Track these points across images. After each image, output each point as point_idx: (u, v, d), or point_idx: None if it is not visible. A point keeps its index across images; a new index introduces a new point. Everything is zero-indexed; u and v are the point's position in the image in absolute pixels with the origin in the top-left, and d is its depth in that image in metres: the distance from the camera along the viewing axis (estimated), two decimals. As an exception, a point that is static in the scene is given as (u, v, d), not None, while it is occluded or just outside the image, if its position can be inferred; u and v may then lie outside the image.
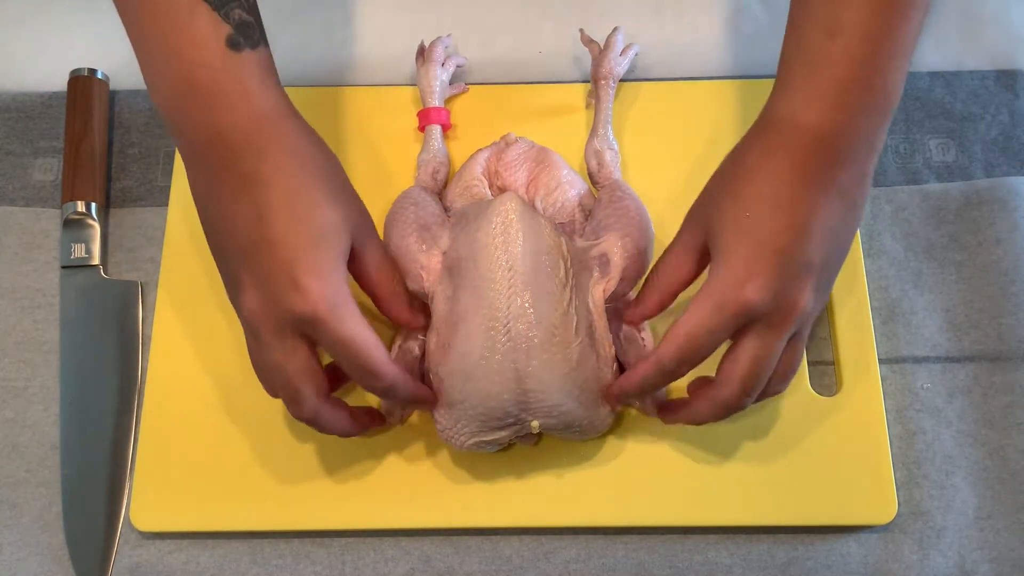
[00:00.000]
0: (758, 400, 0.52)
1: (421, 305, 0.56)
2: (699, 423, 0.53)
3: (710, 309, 0.48)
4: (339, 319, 0.48)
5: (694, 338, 0.48)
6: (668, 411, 0.55)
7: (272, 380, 0.51)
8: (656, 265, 0.54)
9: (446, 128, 0.65)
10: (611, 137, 0.63)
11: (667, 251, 0.54)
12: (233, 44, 0.50)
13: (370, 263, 0.53)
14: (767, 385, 0.51)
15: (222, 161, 0.50)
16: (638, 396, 0.55)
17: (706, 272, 0.51)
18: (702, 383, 0.53)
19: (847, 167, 0.49)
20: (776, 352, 0.49)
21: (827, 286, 0.51)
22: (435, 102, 0.64)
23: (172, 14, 0.50)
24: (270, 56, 0.53)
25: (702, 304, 0.48)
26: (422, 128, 0.64)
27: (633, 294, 0.57)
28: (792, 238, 0.48)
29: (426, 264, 0.56)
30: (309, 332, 0.49)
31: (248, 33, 0.51)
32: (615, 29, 0.66)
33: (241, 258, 0.49)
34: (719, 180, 0.52)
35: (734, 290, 0.47)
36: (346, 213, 0.50)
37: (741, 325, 0.48)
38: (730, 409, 0.51)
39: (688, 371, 0.50)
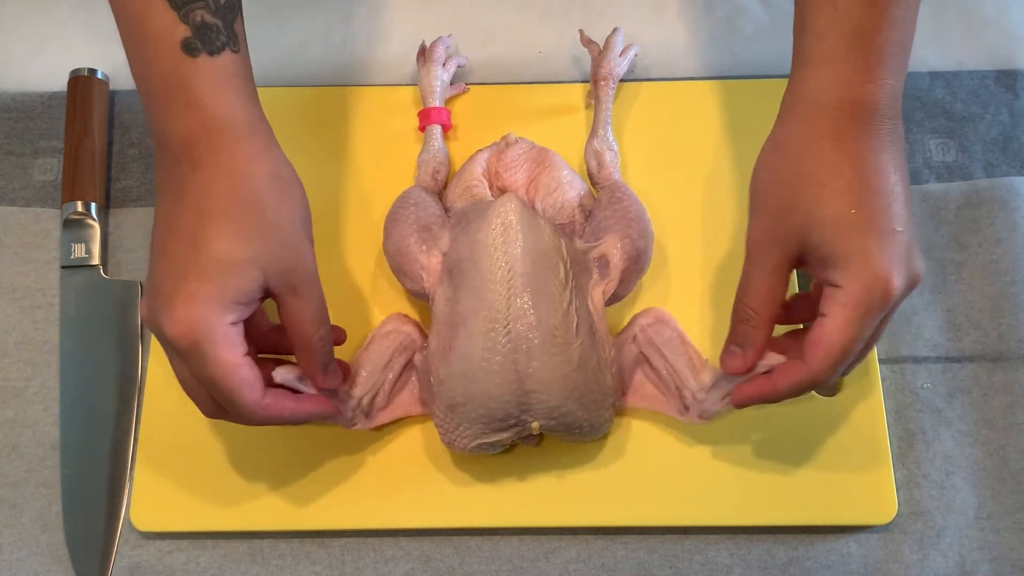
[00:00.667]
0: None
1: (340, 367, 0.53)
2: (776, 401, 0.51)
3: (861, 316, 0.47)
4: (201, 356, 0.46)
5: (849, 350, 0.47)
6: (743, 395, 0.52)
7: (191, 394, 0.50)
8: (743, 299, 0.50)
9: (446, 128, 0.65)
10: (611, 138, 0.63)
11: (751, 281, 0.50)
12: (189, 48, 0.47)
13: (291, 314, 0.49)
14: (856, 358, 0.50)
15: (163, 162, 0.49)
16: (773, 402, 0.52)
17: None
18: (787, 366, 0.50)
19: (895, 118, 0.49)
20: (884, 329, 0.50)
21: None
22: (436, 102, 0.64)
23: (130, 5, 0.48)
24: (239, 62, 0.49)
25: (850, 312, 0.47)
26: (423, 128, 0.64)
27: (621, 286, 0.56)
28: (900, 215, 0.48)
29: (426, 265, 0.56)
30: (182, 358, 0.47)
31: (209, 37, 0.48)
32: (615, 30, 0.66)
33: (152, 259, 0.48)
34: (792, 186, 0.49)
35: (881, 289, 0.47)
36: (258, 253, 0.47)
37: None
38: (816, 386, 0.50)
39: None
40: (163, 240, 0.48)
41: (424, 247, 0.56)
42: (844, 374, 0.52)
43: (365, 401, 0.56)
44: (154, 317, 0.47)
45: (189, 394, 0.50)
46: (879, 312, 0.47)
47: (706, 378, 0.55)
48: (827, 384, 0.49)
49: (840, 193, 0.48)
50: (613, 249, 0.56)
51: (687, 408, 0.56)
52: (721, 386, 0.54)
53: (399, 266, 0.57)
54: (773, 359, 0.51)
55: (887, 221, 0.47)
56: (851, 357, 0.48)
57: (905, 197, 0.48)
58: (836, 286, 0.47)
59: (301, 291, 0.49)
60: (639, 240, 0.56)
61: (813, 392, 0.58)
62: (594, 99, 0.64)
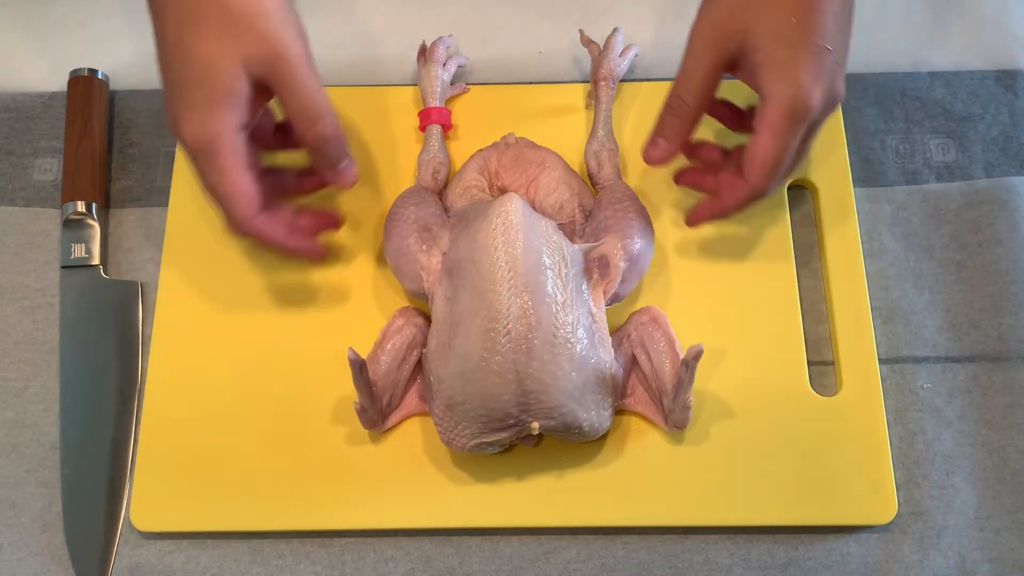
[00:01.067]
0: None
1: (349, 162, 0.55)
2: (725, 217, 0.56)
3: (785, 129, 0.51)
4: (205, 162, 0.49)
5: (780, 161, 0.52)
6: (696, 214, 0.57)
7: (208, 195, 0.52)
8: (678, 93, 0.54)
9: (447, 128, 0.65)
10: (611, 138, 0.63)
11: (688, 74, 0.54)
12: None
13: (287, 108, 0.51)
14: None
15: None
16: (725, 219, 0.57)
17: None
18: (729, 179, 0.55)
19: None
20: (799, 140, 0.53)
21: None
22: (436, 102, 0.64)
23: None
24: None
25: (775, 127, 0.51)
26: (423, 128, 0.64)
27: (621, 286, 0.56)
28: (834, 35, 0.51)
29: (426, 264, 0.56)
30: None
31: None
32: (615, 30, 0.65)
33: (160, 77, 0.51)
34: None
35: (803, 103, 0.50)
36: (234, 48, 0.48)
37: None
38: (756, 198, 0.54)
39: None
40: (161, 57, 0.51)
41: (424, 247, 0.56)
42: (780, 185, 0.57)
43: (385, 400, 0.56)
44: (170, 130, 0.51)
45: (211, 204, 0.53)
46: (800, 124, 0.51)
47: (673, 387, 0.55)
48: (765, 194, 0.54)
49: (784, 4, 0.51)
50: (613, 249, 0.56)
51: (666, 417, 0.56)
52: (682, 391, 0.54)
53: (399, 266, 0.57)
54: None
55: (820, 38, 0.51)
56: (783, 168, 0.52)
57: (844, 23, 0.52)
58: (763, 96, 0.51)
59: (288, 82, 0.50)
60: (639, 240, 0.56)
61: (813, 395, 0.58)
62: (594, 99, 0.64)
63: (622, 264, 0.55)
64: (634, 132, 0.65)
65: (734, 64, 0.53)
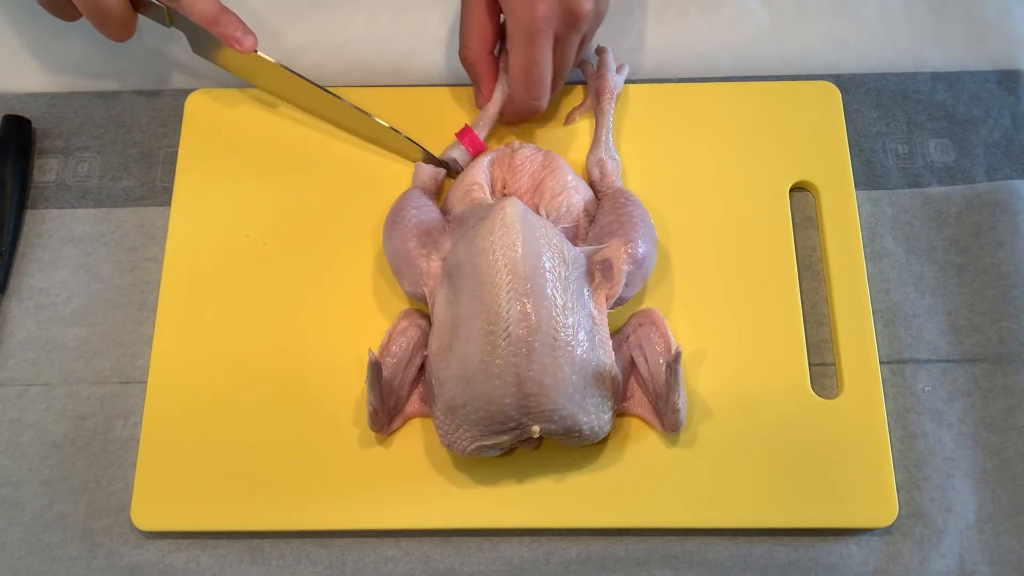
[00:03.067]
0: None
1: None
2: (511, 123, 0.64)
3: (523, 43, 0.57)
4: None
5: (531, 74, 0.58)
6: (504, 117, 0.63)
7: None
8: (463, 43, 0.61)
9: (469, 151, 0.63)
10: (612, 147, 0.63)
11: (464, 25, 0.61)
12: None
13: None
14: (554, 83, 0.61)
15: None
16: (511, 123, 0.64)
17: None
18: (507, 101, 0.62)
19: None
20: (573, 52, 0.60)
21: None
22: (482, 134, 0.63)
23: None
24: None
25: (515, 43, 0.57)
26: (459, 137, 0.63)
27: (624, 289, 0.56)
28: None
29: (426, 269, 0.56)
30: None
31: None
32: (604, 49, 0.66)
33: None
34: None
35: (530, 12, 0.56)
36: None
37: (553, 38, 0.57)
38: (528, 110, 0.61)
39: (547, 97, 0.60)
40: None
41: (424, 251, 0.56)
42: (556, 89, 0.62)
43: (391, 402, 0.56)
44: None
45: None
46: (536, 36, 0.56)
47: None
48: (536, 106, 0.60)
49: None
50: (617, 253, 0.56)
51: (662, 420, 0.56)
52: (670, 393, 0.54)
53: (398, 269, 0.57)
54: (498, 95, 0.62)
55: None
56: (536, 78, 0.58)
57: None
58: (506, 23, 0.58)
59: None
60: (643, 244, 0.56)
61: (814, 397, 0.58)
62: (595, 111, 0.64)
63: (626, 268, 0.55)
64: (635, 134, 0.65)
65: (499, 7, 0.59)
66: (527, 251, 0.52)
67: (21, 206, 0.65)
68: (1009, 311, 0.62)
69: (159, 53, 0.71)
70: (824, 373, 0.60)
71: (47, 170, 0.67)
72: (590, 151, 0.62)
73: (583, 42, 0.61)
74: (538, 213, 0.57)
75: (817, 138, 0.65)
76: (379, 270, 0.62)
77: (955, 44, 0.70)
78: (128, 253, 0.64)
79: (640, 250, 0.56)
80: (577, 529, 0.57)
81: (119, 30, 0.61)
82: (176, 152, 0.66)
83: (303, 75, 0.63)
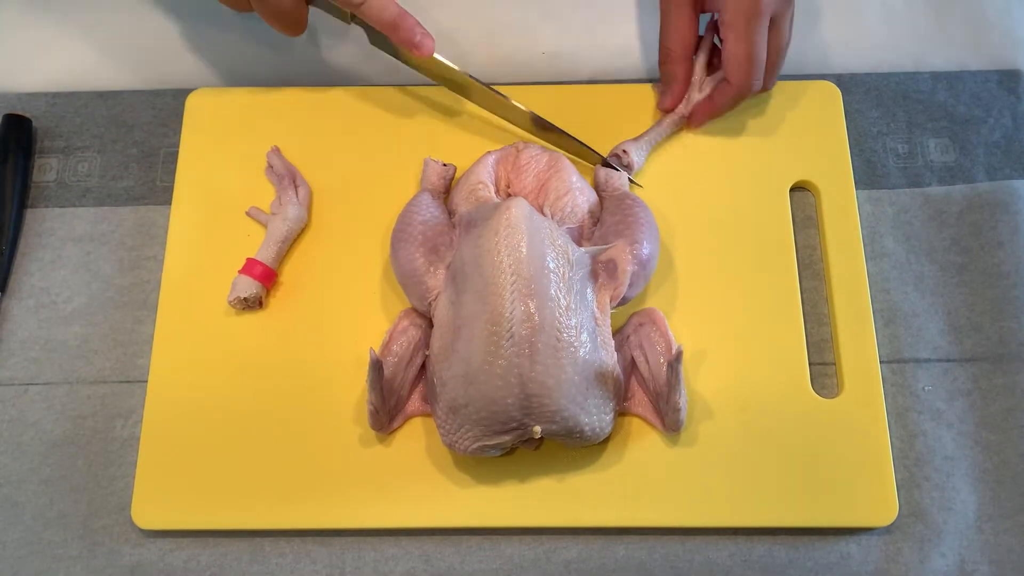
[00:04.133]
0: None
1: None
2: (721, 114, 0.64)
3: (745, 26, 0.58)
4: None
5: (754, 56, 0.60)
6: (696, 116, 0.64)
7: None
8: (663, 43, 0.63)
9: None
10: (644, 152, 0.64)
11: (665, 25, 0.63)
12: None
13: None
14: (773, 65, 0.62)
15: None
16: (716, 117, 0.65)
17: None
18: (719, 84, 0.63)
19: None
20: (788, 33, 0.61)
21: None
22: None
23: None
24: None
25: (736, 28, 0.59)
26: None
27: (628, 290, 0.56)
28: None
29: (432, 286, 0.56)
30: None
31: None
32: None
33: None
34: None
35: (754, 3, 0.58)
36: None
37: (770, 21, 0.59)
38: (745, 95, 0.62)
39: (762, 81, 0.62)
40: None
41: (432, 268, 0.56)
42: (770, 77, 0.63)
43: (392, 402, 0.56)
44: None
45: None
46: (757, 19, 0.58)
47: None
48: (755, 89, 0.62)
49: None
50: (623, 254, 0.56)
51: (663, 420, 0.56)
52: (671, 393, 0.54)
53: (406, 285, 0.57)
54: (695, 96, 0.63)
55: None
56: (758, 60, 0.60)
57: None
58: (721, 6, 0.59)
59: None
60: (648, 245, 0.57)
61: (815, 396, 0.58)
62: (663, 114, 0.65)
63: (631, 268, 0.55)
64: (637, 134, 0.65)
65: (702, 5, 0.62)
66: (532, 252, 0.52)
67: (21, 205, 0.65)
68: (1009, 311, 0.62)
69: (161, 52, 0.71)
70: (824, 372, 0.60)
71: (47, 169, 0.67)
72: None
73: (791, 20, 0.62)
74: (542, 214, 0.57)
75: (818, 138, 0.65)
76: (380, 269, 0.62)
77: (956, 44, 0.70)
78: (128, 252, 0.64)
79: (645, 251, 0.56)
80: (578, 528, 0.57)
81: (291, 26, 0.60)
82: (176, 152, 0.66)
83: (476, 77, 0.63)
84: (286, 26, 0.60)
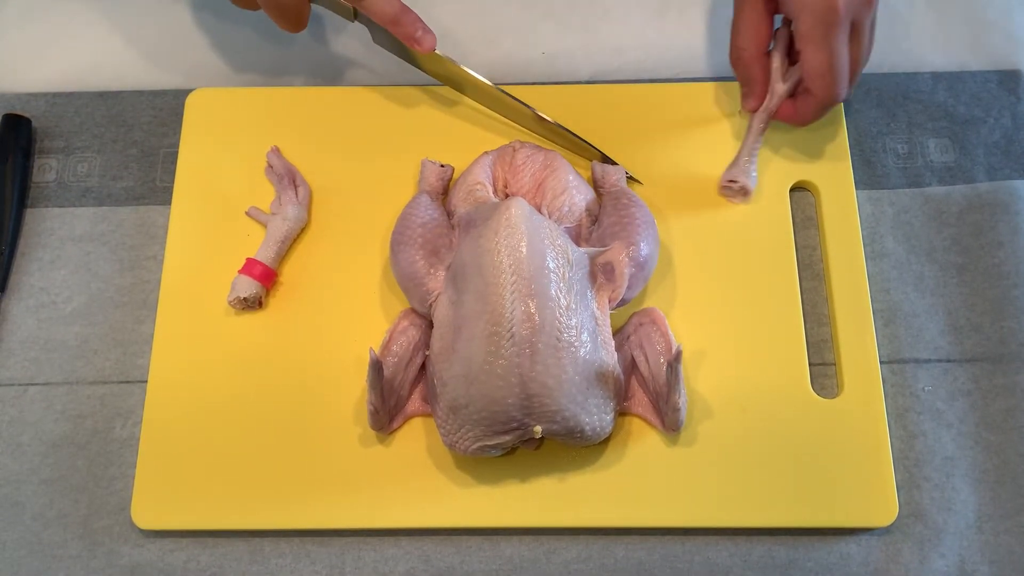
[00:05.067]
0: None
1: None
2: (807, 124, 0.62)
3: (824, 36, 0.55)
4: None
5: (835, 66, 0.57)
6: (782, 114, 0.62)
7: None
8: (735, 43, 0.61)
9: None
10: (751, 165, 0.63)
11: (736, 23, 0.61)
12: None
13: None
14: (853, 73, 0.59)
15: None
16: (802, 126, 0.63)
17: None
18: (801, 94, 0.61)
19: None
20: (869, 38, 0.58)
21: None
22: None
23: None
24: None
25: (814, 38, 0.56)
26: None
27: (627, 291, 0.56)
28: None
29: (433, 287, 0.56)
30: None
31: None
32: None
33: None
34: None
35: (824, 6, 0.55)
36: None
37: (850, 28, 0.56)
38: (830, 105, 0.60)
39: (847, 89, 0.59)
40: None
41: (432, 271, 0.56)
42: (853, 83, 0.60)
43: (392, 402, 0.56)
44: None
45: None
46: (835, 26, 0.55)
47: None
48: (839, 99, 0.59)
49: None
50: (620, 255, 0.56)
51: (663, 419, 0.56)
52: (671, 393, 0.54)
53: (406, 288, 0.57)
54: (780, 88, 0.61)
55: None
56: (840, 70, 0.57)
57: None
58: (795, 16, 0.56)
59: None
60: (645, 246, 0.56)
61: (815, 396, 0.58)
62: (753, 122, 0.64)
63: (628, 271, 0.55)
64: (637, 134, 0.65)
65: (776, 6, 0.60)
66: (532, 252, 0.52)
67: (21, 205, 0.65)
68: (1010, 311, 0.62)
69: (161, 52, 0.71)
70: (824, 373, 0.60)
71: (47, 169, 0.67)
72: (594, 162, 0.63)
73: (872, 25, 0.59)
74: (540, 213, 0.57)
75: (817, 138, 0.65)
76: (380, 269, 0.62)
77: (956, 44, 0.70)
78: (128, 252, 0.64)
79: (642, 252, 0.56)
80: (578, 528, 0.57)
81: (293, 22, 0.60)
82: (176, 152, 0.66)
83: (476, 75, 0.63)
84: (288, 22, 0.60)
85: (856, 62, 0.59)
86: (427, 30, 0.61)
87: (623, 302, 0.56)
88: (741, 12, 0.61)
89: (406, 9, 0.60)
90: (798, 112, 0.61)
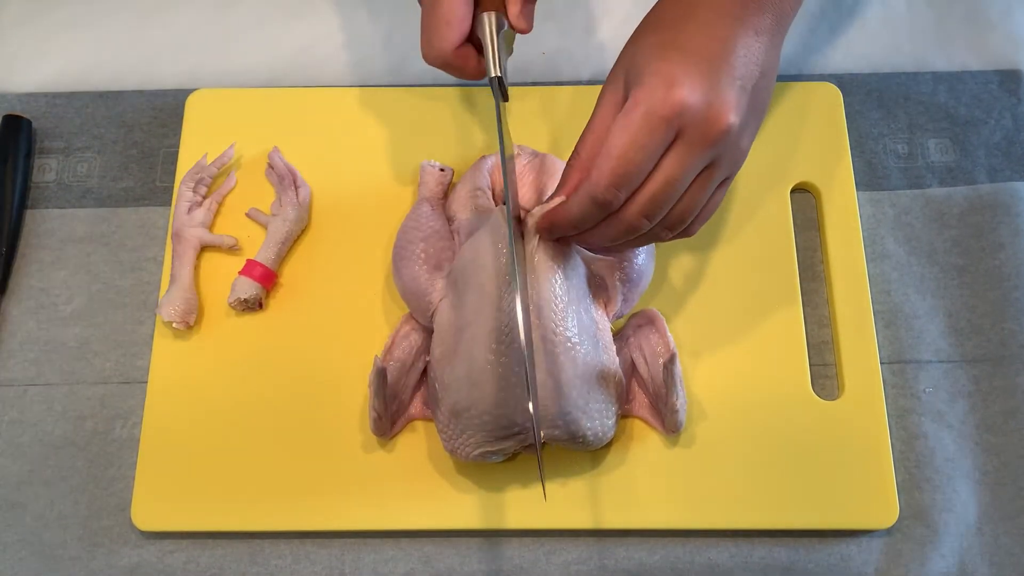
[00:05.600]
0: (674, 237, 0.49)
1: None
2: (572, 224, 0.48)
3: (640, 119, 0.44)
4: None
5: (627, 158, 0.44)
6: (542, 224, 0.50)
7: None
8: (582, 136, 0.49)
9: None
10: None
11: (592, 116, 0.49)
12: None
13: None
14: (689, 224, 0.49)
15: None
16: (568, 232, 0.49)
17: None
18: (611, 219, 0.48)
19: (765, 13, 0.48)
20: (687, 172, 0.46)
21: (751, 128, 0.48)
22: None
23: None
24: None
25: (628, 116, 0.45)
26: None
27: (623, 305, 0.56)
28: (718, 50, 0.46)
29: (435, 300, 0.56)
30: None
31: None
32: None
33: None
34: (640, 30, 0.50)
35: (664, 92, 0.44)
36: None
37: (671, 139, 0.45)
38: (598, 203, 0.46)
39: (624, 199, 0.46)
40: None
41: (434, 284, 0.56)
42: (658, 218, 0.47)
43: (393, 407, 0.56)
44: None
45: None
46: (660, 124, 0.44)
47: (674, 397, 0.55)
48: (606, 200, 0.45)
49: (671, 30, 0.47)
50: (611, 276, 0.56)
51: (663, 421, 0.56)
52: (669, 395, 0.54)
53: (409, 302, 0.57)
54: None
55: (705, 51, 0.46)
56: (631, 169, 0.45)
57: (746, 63, 0.47)
58: (628, 95, 0.46)
59: None
60: (637, 260, 0.56)
61: (815, 398, 0.58)
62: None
63: (620, 289, 0.55)
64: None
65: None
66: (531, 254, 0.52)
67: (21, 206, 0.65)
68: (1010, 312, 0.61)
69: (161, 52, 0.71)
70: (825, 374, 0.60)
71: (47, 170, 0.67)
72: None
73: (707, 173, 0.47)
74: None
75: (818, 139, 0.65)
76: (380, 270, 0.62)
77: (956, 45, 0.70)
78: (128, 253, 0.64)
79: (634, 269, 0.56)
80: (578, 530, 0.57)
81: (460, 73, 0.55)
82: (176, 152, 0.66)
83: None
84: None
85: (705, 214, 0.50)
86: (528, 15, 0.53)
87: (619, 314, 0.56)
88: (601, 109, 0.49)
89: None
90: (566, 203, 0.48)
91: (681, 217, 0.48)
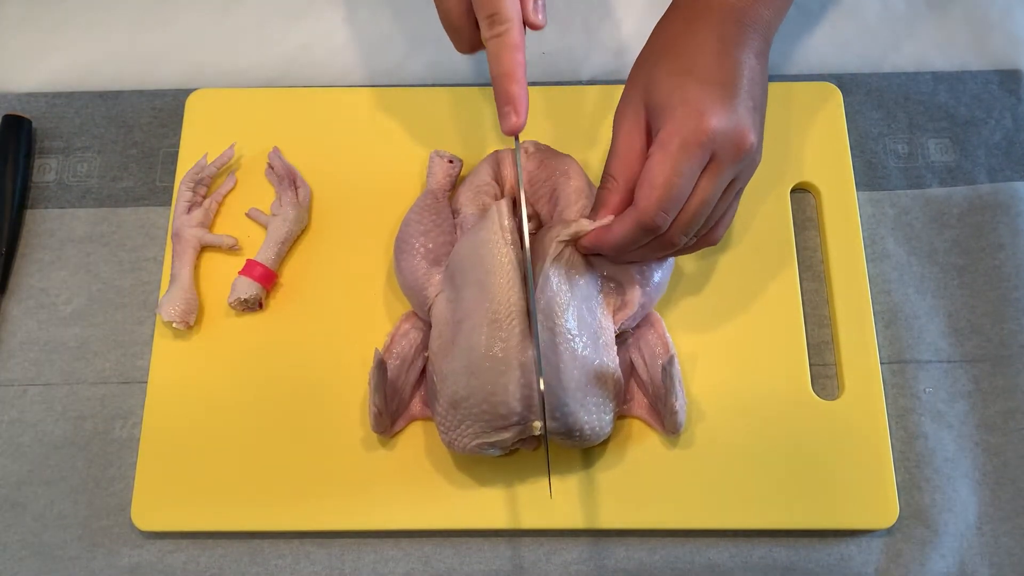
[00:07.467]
0: (695, 248, 0.54)
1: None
2: (616, 248, 0.52)
3: (678, 149, 0.49)
4: None
5: (671, 183, 0.49)
6: (584, 242, 0.53)
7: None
8: (611, 160, 0.53)
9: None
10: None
11: (616, 140, 0.53)
12: None
13: None
14: (710, 231, 0.54)
15: None
16: (611, 252, 0.53)
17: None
18: (621, 214, 0.52)
19: (756, 34, 0.54)
20: (719, 189, 0.51)
21: (761, 139, 0.53)
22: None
23: None
24: None
25: (667, 147, 0.49)
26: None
27: (631, 320, 0.56)
28: (732, 77, 0.51)
29: (432, 296, 0.56)
30: None
31: None
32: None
33: None
34: (649, 56, 0.54)
35: (696, 122, 0.49)
36: None
37: (707, 162, 0.50)
38: (646, 228, 0.50)
39: (670, 222, 0.50)
40: None
41: (432, 279, 0.56)
42: (692, 233, 0.52)
43: (393, 405, 0.56)
44: None
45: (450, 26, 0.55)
46: (695, 149, 0.49)
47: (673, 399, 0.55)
48: (658, 225, 0.50)
49: (683, 58, 0.52)
50: (633, 287, 0.55)
51: (662, 421, 0.56)
52: (668, 396, 0.54)
53: (409, 296, 0.57)
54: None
55: (721, 78, 0.51)
56: (673, 192, 0.49)
57: (751, 85, 0.52)
58: (660, 128, 0.50)
59: None
60: (664, 274, 0.56)
61: (815, 398, 0.58)
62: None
63: (639, 300, 0.55)
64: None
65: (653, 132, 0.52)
66: (528, 246, 0.52)
67: (21, 206, 0.65)
68: (1010, 312, 0.62)
69: (161, 52, 0.71)
70: (825, 374, 0.60)
71: (47, 170, 0.67)
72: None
73: (731, 185, 0.52)
74: (552, 218, 0.57)
75: (818, 139, 0.65)
76: (381, 270, 0.62)
77: (956, 45, 0.70)
78: (128, 253, 0.64)
79: (657, 276, 0.56)
80: (578, 530, 0.57)
81: (466, 44, 0.56)
82: (176, 152, 0.66)
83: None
84: (461, 44, 0.56)
85: (726, 222, 0.54)
86: (518, 112, 0.52)
87: (634, 320, 0.56)
88: (617, 136, 0.53)
89: (518, 79, 0.53)
90: (611, 230, 0.52)
91: (709, 227, 0.53)
